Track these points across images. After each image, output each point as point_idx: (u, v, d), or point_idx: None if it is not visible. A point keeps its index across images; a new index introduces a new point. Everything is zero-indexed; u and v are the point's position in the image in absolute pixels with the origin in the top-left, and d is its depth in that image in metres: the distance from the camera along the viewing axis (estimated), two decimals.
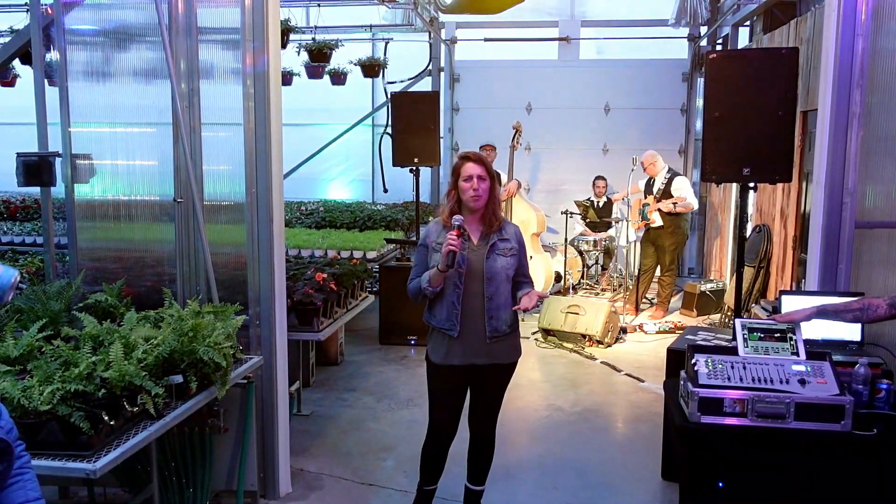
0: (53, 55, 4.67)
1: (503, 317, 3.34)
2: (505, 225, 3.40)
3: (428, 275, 3.28)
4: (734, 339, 3.25)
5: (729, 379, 3.01)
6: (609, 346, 6.89)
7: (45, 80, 4.13)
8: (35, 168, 3.81)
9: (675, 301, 8.44)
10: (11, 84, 10.06)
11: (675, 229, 7.78)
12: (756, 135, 3.94)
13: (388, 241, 7.35)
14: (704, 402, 2.96)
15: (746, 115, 3.95)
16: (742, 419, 2.95)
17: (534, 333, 7.26)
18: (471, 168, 3.28)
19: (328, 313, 4.78)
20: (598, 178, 9.39)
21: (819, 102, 3.81)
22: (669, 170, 7.91)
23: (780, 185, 6.89)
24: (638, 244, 8.31)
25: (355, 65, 9.39)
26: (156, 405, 2.77)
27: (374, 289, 6.90)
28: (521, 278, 3.43)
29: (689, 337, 4.31)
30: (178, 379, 2.96)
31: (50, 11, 4.10)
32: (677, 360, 3.86)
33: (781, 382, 2.97)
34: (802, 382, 2.96)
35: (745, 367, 3.04)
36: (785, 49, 3.96)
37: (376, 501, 3.98)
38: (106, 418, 2.57)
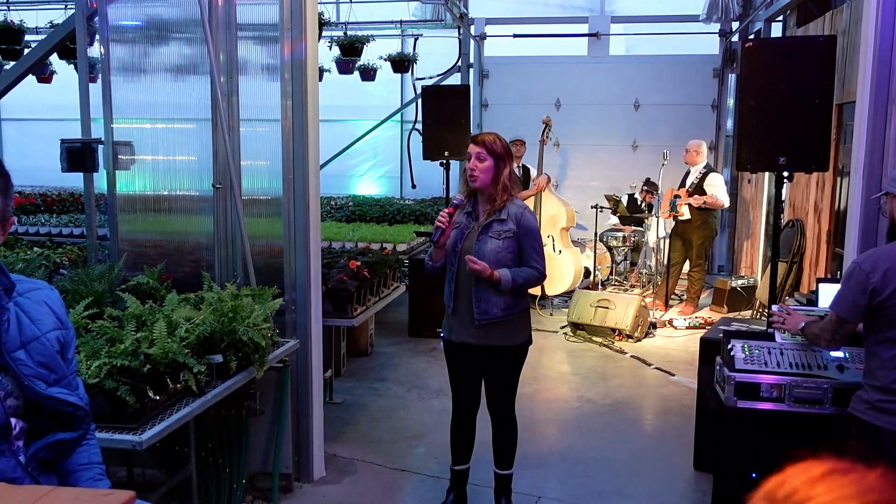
0: (93, 50, 4.78)
1: (495, 300, 3.30)
2: (508, 206, 3.34)
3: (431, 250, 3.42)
4: (769, 327, 3.25)
5: (766, 364, 3.00)
6: (639, 340, 6.86)
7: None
8: (78, 154, 3.90)
9: (706, 298, 8.38)
10: (49, 80, 10.26)
11: (703, 224, 7.71)
12: (792, 123, 3.90)
13: (418, 234, 7.39)
14: (741, 386, 2.96)
15: (782, 103, 3.91)
16: (779, 404, 2.94)
17: (563, 328, 7.25)
18: (470, 149, 3.36)
19: (362, 300, 4.83)
20: (651, 184, 9.05)
21: (857, 89, 3.77)
22: (706, 165, 7.85)
23: (814, 180, 6.82)
24: (667, 241, 8.26)
25: (385, 60, 9.45)
26: (198, 382, 2.83)
27: (405, 282, 6.93)
28: (533, 265, 3.35)
29: (722, 327, 4.29)
30: (219, 358, 3.02)
31: (93, 5, 4.19)
32: (711, 349, 3.85)
33: (819, 368, 2.96)
34: (841, 368, 2.95)
35: (782, 353, 3.04)
36: (822, 37, 3.93)
37: (408, 486, 4.02)
38: (150, 393, 2.63)
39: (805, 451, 0.80)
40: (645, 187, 8.94)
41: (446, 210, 3.30)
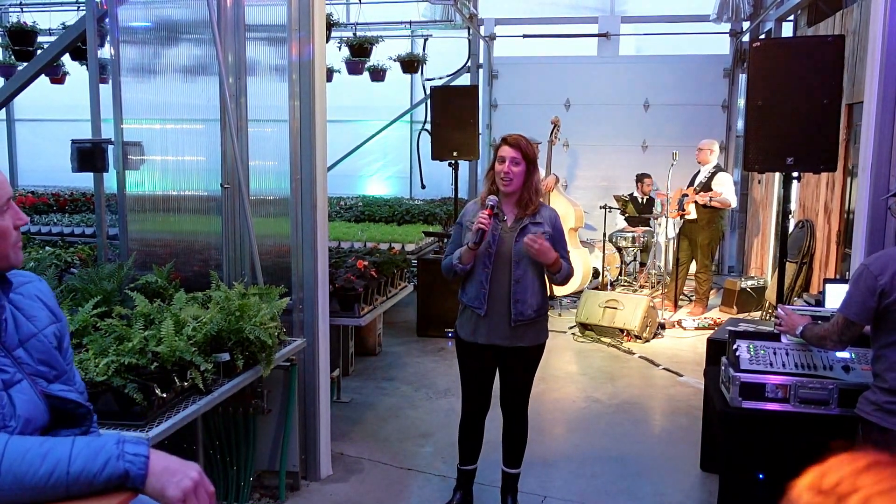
0: (104, 51, 4.83)
1: (530, 301, 3.34)
2: (541, 209, 3.40)
3: (460, 252, 3.35)
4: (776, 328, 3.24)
5: (771, 365, 3.00)
6: (647, 341, 6.85)
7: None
8: (88, 154, 3.94)
9: (715, 298, 8.35)
10: (61, 81, 10.34)
11: (708, 224, 7.68)
12: (800, 124, 3.90)
13: (427, 234, 7.41)
14: (746, 387, 2.96)
15: (790, 103, 3.91)
16: (784, 405, 2.94)
17: (571, 328, 7.25)
18: (505, 151, 3.32)
19: (369, 300, 4.85)
20: (644, 175, 9.25)
21: (865, 89, 3.76)
22: (716, 165, 7.83)
23: (823, 181, 6.79)
24: (674, 241, 8.26)
25: (394, 60, 9.47)
26: (205, 380, 2.85)
27: (413, 282, 6.95)
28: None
29: (730, 328, 4.28)
30: (226, 357, 3.04)
31: (104, 6, 4.23)
32: (717, 350, 3.84)
33: (825, 369, 2.96)
34: (846, 369, 2.94)
35: (787, 354, 3.03)
36: (830, 37, 3.92)
37: (415, 485, 4.03)
38: (158, 391, 2.66)
39: (844, 443, 0.81)
40: (639, 182, 9.04)
41: (485, 212, 3.23)
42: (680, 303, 8.20)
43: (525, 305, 3.34)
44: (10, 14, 9.71)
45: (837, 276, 6.28)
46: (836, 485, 0.73)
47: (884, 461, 0.74)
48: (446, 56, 10.46)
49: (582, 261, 8.11)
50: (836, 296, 3.43)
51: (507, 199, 3.37)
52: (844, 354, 2.98)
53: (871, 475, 0.72)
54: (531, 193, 3.35)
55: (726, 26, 9.75)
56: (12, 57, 9.12)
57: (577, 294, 7.78)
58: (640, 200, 9.24)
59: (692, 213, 7.69)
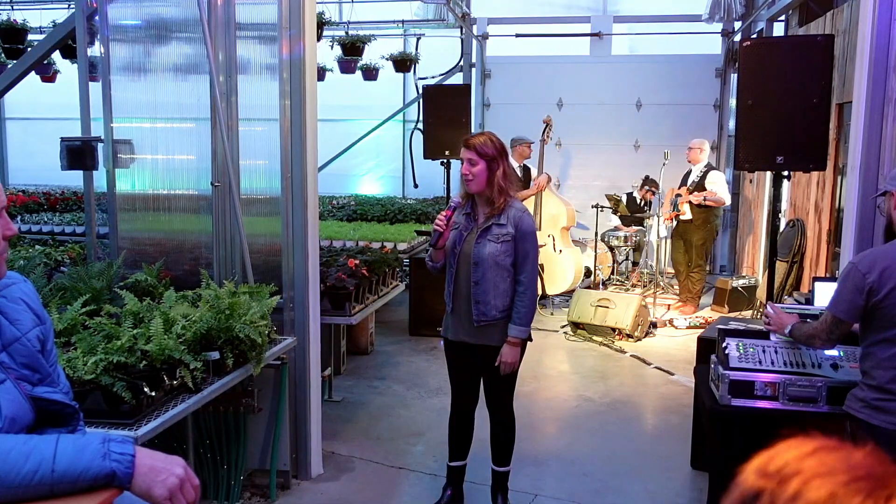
0: (94, 50, 4.81)
1: (493, 303, 3.33)
2: (507, 209, 3.34)
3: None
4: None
5: (760, 362, 3.01)
6: (639, 340, 6.86)
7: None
8: (78, 152, 3.93)
9: (707, 298, 8.37)
10: (52, 79, 10.30)
11: (703, 224, 7.71)
12: (790, 123, 3.91)
13: (419, 233, 7.40)
14: (735, 384, 2.97)
15: (780, 103, 3.92)
16: (773, 402, 2.95)
17: (563, 327, 7.25)
18: (462, 153, 3.36)
19: (360, 298, 4.84)
20: (652, 181, 9.02)
21: (854, 89, 3.78)
22: (707, 164, 7.86)
23: (814, 180, 6.82)
24: (668, 240, 8.26)
25: (387, 59, 9.47)
26: (194, 379, 2.84)
27: (405, 282, 6.94)
28: (520, 278, 3.34)
29: (719, 326, 4.29)
30: (215, 355, 3.03)
31: (94, 4, 4.22)
32: (707, 348, 3.85)
33: (814, 366, 2.97)
34: (835, 367, 2.95)
35: (776, 351, 3.04)
36: (820, 36, 3.93)
37: (406, 484, 4.03)
38: (147, 389, 2.65)
39: (795, 431, 0.83)
40: (645, 186, 8.92)
41: (444, 213, 3.34)
42: (670, 301, 8.22)
43: (488, 307, 3.34)
44: (1, 12, 9.65)
45: (828, 275, 6.30)
46: (782, 468, 0.75)
47: (830, 446, 0.75)
48: (439, 55, 10.46)
49: (574, 260, 8.11)
50: (825, 294, 3.45)
51: (479, 198, 3.40)
52: (833, 352, 3.00)
53: (815, 459, 0.74)
54: (493, 192, 3.33)
55: (718, 26, 9.78)
56: (3, 55, 9.07)
57: (569, 293, 7.79)
58: (637, 201, 9.20)
59: (686, 213, 7.71)
